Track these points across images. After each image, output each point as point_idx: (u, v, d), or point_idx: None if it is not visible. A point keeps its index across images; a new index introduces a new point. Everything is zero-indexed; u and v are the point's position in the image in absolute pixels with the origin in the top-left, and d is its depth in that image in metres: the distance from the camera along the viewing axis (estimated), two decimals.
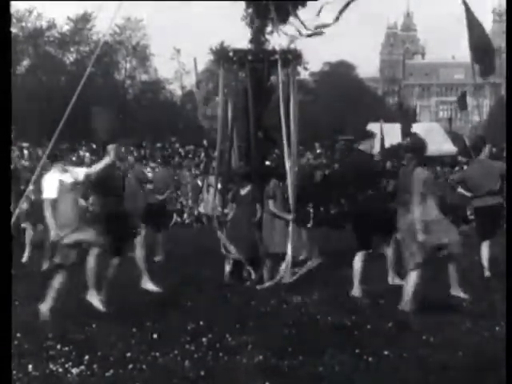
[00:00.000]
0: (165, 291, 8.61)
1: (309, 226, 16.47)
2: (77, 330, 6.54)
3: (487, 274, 9.04)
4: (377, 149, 22.87)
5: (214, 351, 5.87)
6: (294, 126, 9.43)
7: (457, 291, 7.73)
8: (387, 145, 23.64)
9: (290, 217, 9.32)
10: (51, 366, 5.49)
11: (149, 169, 11.84)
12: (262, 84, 9.68)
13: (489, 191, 9.07)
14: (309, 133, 33.05)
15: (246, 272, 9.26)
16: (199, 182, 20.87)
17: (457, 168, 20.45)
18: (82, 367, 5.45)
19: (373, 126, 27.89)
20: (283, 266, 9.06)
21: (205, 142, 28.08)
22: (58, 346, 5.97)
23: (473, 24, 9.59)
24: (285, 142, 9.36)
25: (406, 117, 24.32)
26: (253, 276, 9.13)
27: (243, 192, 9.55)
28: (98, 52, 10.58)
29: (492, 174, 9.08)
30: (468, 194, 9.43)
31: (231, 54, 9.55)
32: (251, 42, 9.79)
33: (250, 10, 9.78)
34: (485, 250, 9.07)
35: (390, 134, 23.70)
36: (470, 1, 9.79)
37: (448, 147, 26.90)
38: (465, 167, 19.86)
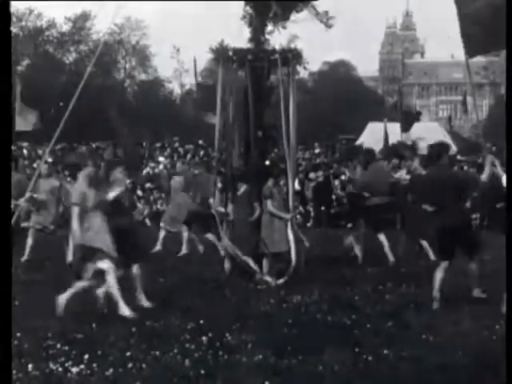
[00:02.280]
0: (165, 291, 8.60)
1: (309, 225, 16.57)
2: (77, 329, 6.54)
3: (391, 259, 10.59)
4: (379, 147, 22.99)
5: (214, 350, 5.88)
6: (294, 125, 9.44)
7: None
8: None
9: (288, 216, 9.33)
10: (51, 365, 5.49)
11: None
12: (261, 83, 9.68)
13: (383, 192, 10.84)
14: (309, 132, 33.11)
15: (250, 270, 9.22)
16: None
17: (455, 168, 20.41)
18: (82, 366, 5.46)
19: (373, 126, 28.06)
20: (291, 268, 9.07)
21: (200, 142, 28.10)
22: (58, 345, 5.98)
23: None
24: (284, 141, 9.37)
25: (406, 116, 24.26)
26: (257, 273, 9.12)
27: (240, 192, 9.56)
28: (98, 52, 10.51)
29: (384, 178, 11.10)
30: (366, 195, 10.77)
31: (231, 53, 9.55)
32: (251, 41, 9.78)
33: (249, 9, 9.77)
34: (382, 238, 10.71)
35: (391, 133, 23.78)
36: None
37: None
38: (465, 167, 19.89)
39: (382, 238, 10.75)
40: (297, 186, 15.34)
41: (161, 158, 26.15)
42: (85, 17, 51.29)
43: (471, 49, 9.02)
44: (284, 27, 9.66)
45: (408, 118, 23.95)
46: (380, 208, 10.75)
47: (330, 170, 19.00)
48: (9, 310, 4.33)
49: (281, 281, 8.95)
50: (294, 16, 9.68)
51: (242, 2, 9.79)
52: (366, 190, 10.80)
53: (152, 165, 25.04)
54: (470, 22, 8.88)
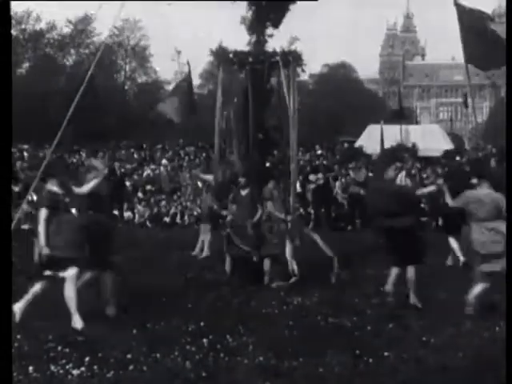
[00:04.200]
0: (166, 292, 8.60)
1: (309, 227, 16.55)
2: (77, 331, 6.54)
3: None
4: (377, 150, 23.11)
5: (215, 352, 5.88)
6: (294, 127, 9.45)
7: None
8: (387, 146, 23.78)
9: (288, 218, 9.33)
10: (52, 367, 5.49)
11: None
12: (262, 85, 9.70)
13: None
14: (309, 134, 33.14)
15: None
16: (199, 183, 20.87)
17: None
18: (83, 368, 5.46)
19: (373, 128, 28.09)
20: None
21: (201, 144, 28.14)
22: (59, 348, 5.97)
23: (464, 17, 9.42)
24: (286, 143, 9.40)
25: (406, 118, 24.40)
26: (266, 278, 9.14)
27: (243, 193, 9.57)
28: (99, 56, 10.47)
29: None
30: None
31: (231, 55, 9.57)
32: (251, 43, 9.80)
33: (251, 12, 9.80)
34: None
35: (390, 135, 23.80)
36: (470, 1, 9.77)
37: (448, 148, 26.94)
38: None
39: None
40: (298, 188, 15.34)
41: (164, 161, 26.13)
42: (85, 19, 51.37)
43: (471, 60, 9.21)
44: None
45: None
46: None
47: (329, 172, 19.03)
48: (9, 311, 4.33)
49: (292, 280, 8.94)
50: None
51: (243, 4, 9.82)
52: None
53: (152, 167, 25.05)
54: (472, 39, 9.06)
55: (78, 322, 6.70)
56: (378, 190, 8.13)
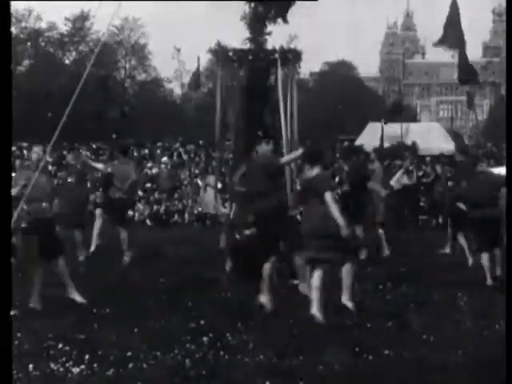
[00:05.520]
0: (166, 290, 8.60)
1: None
2: (77, 329, 6.54)
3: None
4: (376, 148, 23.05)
5: (215, 350, 5.87)
6: (294, 125, 9.45)
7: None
8: (387, 144, 23.77)
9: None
10: (52, 365, 5.49)
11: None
12: (261, 83, 9.69)
13: None
14: (309, 132, 33.08)
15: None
16: (199, 182, 20.90)
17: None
18: (83, 366, 5.45)
19: (373, 126, 28.06)
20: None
21: (201, 142, 28.12)
22: (59, 346, 5.97)
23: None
24: (285, 141, 9.38)
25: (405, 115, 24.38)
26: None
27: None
28: (97, 52, 10.42)
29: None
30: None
31: (231, 53, 9.56)
32: (250, 41, 9.79)
33: (249, 10, 9.79)
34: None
35: (390, 133, 23.76)
36: (470, 1, 9.82)
37: (448, 147, 26.92)
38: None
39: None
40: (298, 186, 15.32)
41: (164, 159, 26.11)
42: (84, 17, 51.39)
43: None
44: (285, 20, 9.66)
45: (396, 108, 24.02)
46: None
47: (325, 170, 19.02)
48: (9, 310, 4.32)
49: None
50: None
51: (242, 2, 9.81)
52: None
53: (152, 165, 25.05)
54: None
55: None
56: (478, 183, 9.21)
